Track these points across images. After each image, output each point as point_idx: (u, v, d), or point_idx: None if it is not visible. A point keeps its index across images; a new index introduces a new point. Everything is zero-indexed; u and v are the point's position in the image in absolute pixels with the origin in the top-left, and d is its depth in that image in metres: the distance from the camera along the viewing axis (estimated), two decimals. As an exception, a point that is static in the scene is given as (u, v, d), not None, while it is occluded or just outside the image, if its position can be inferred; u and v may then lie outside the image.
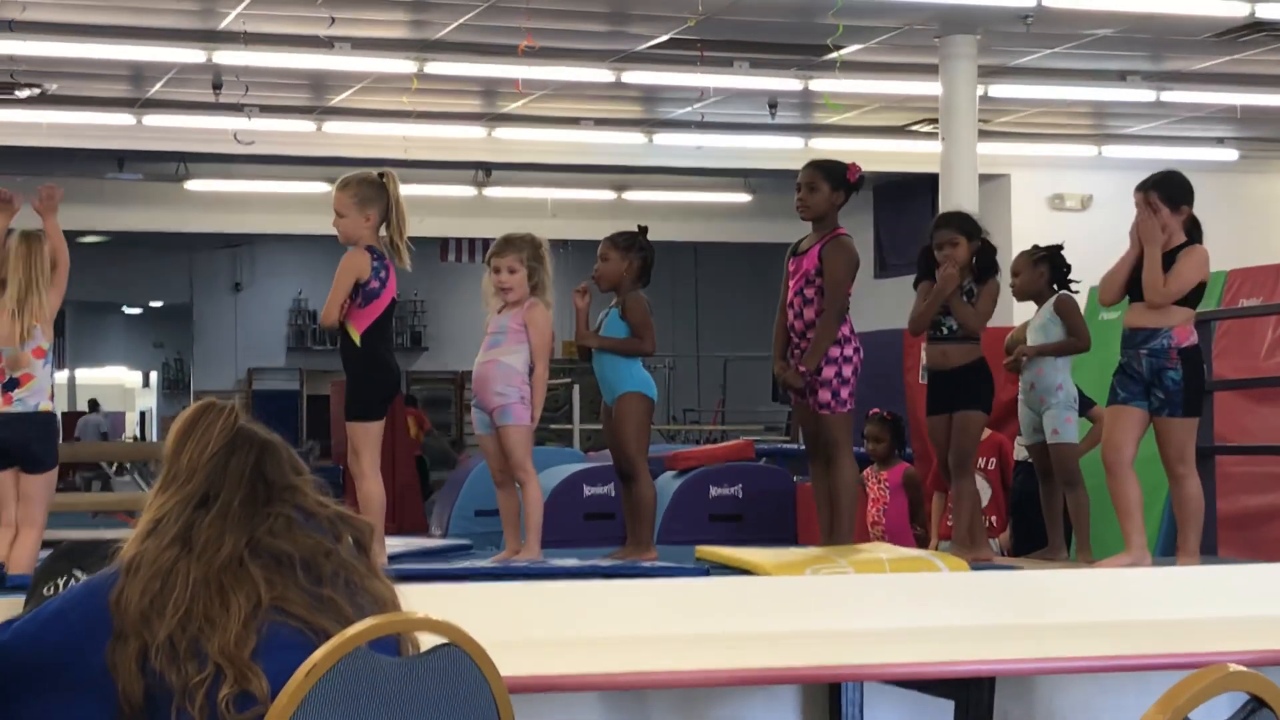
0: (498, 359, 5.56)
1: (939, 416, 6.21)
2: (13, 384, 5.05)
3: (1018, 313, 7.24)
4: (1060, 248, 6.59)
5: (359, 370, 5.37)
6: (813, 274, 6.00)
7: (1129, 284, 5.78)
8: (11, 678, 2.86)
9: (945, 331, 6.19)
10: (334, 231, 5.39)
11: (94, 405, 27.43)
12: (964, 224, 6.32)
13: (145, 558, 2.84)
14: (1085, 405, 6.82)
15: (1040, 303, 6.48)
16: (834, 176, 6.07)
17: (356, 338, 5.30)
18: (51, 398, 5.06)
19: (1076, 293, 6.62)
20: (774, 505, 10.41)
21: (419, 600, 3.00)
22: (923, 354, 6.35)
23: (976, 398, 6.19)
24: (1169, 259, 5.67)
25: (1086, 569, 5.49)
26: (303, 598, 2.84)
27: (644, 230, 6.10)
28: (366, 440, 5.30)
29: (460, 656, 2.78)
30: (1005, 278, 6.34)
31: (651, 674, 3.80)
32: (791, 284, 6.09)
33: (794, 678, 4.22)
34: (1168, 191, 5.74)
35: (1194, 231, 5.79)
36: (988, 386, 6.30)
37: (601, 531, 9.14)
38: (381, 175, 5.36)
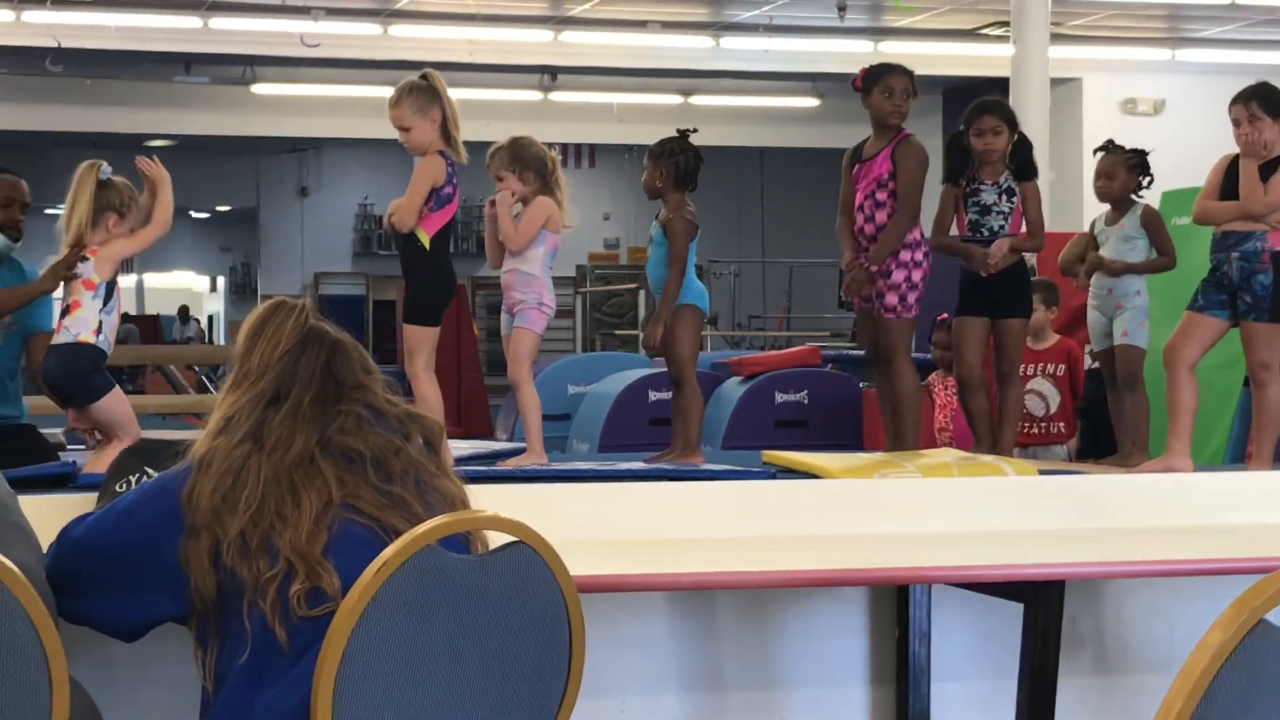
0: (515, 268, 5.59)
1: (975, 319, 6.12)
2: (65, 312, 5.09)
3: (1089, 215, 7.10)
4: (1146, 153, 6.47)
5: (425, 274, 5.39)
6: (885, 177, 5.93)
7: (1223, 198, 5.69)
8: (85, 572, 2.88)
9: (986, 234, 6.11)
10: (397, 135, 5.39)
11: (184, 313, 27.55)
12: (1008, 113, 6.20)
13: (217, 454, 2.86)
14: None
15: (1120, 208, 6.36)
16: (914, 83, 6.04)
17: (426, 242, 5.32)
18: (98, 333, 5.05)
19: (1142, 198, 6.52)
20: (840, 411, 10.40)
21: (486, 500, 3.01)
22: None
23: (1019, 303, 6.14)
24: (1269, 168, 5.58)
25: (1155, 474, 5.44)
26: (373, 495, 2.86)
27: (683, 134, 6.03)
28: (424, 344, 5.35)
29: (529, 555, 2.79)
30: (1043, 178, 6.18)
31: (719, 575, 3.79)
32: (860, 189, 6.01)
33: (863, 579, 4.21)
34: (1268, 101, 5.64)
35: None
36: (1029, 290, 6.29)
37: (667, 436, 9.14)
38: (424, 76, 5.36)
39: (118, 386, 5.09)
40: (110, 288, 5.08)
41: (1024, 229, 6.17)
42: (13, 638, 2.42)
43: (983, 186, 6.10)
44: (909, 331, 6.01)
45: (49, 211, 6.01)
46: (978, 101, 6.29)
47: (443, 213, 5.33)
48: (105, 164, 5.13)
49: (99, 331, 5.02)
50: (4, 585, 2.41)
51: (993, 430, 6.15)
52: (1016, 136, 6.15)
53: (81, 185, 5.08)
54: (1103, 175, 6.37)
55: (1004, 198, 6.09)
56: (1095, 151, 6.47)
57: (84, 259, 5.05)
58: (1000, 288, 6.08)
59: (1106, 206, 6.41)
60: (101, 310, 5.04)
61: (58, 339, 5.05)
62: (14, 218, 5.86)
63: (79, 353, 5.01)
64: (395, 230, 5.38)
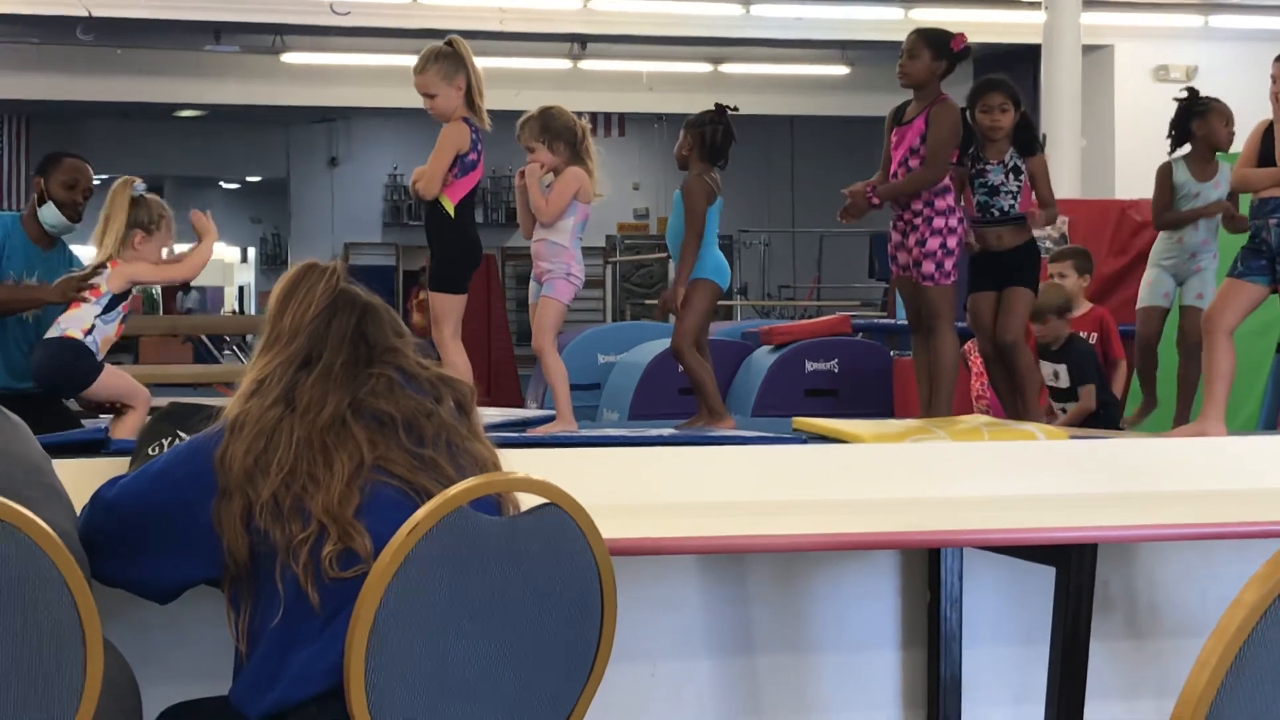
0: (545, 238, 5.60)
1: (985, 293, 6.14)
2: (65, 307, 5.12)
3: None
4: None
5: (450, 241, 5.42)
6: (918, 144, 5.93)
7: (1260, 164, 5.67)
8: (118, 534, 2.89)
9: (996, 214, 6.10)
10: (423, 103, 5.40)
11: (184, 284, 27.40)
12: (1014, 91, 6.19)
13: (249, 416, 2.86)
14: None
15: (1212, 164, 6.29)
16: (936, 44, 5.99)
17: (451, 209, 5.34)
18: (87, 333, 5.08)
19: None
20: (870, 380, 10.39)
21: (517, 466, 3.00)
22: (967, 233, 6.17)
23: (1027, 275, 6.14)
24: None
25: (1188, 438, 5.42)
26: (405, 458, 2.86)
27: (720, 108, 6.04)
28: (450, 311, 5.37)
29: (561, 516, 2.79)
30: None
31: (750, 539, 3.79)
32: (895, 155, 6.01)
33: (894, 543, 4.20)
34: None
35: None
36: (1038, 266, 6.30)
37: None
38: (449, 43, 5.37)
39: (108, 366, 5.14)
40: (116, 301, 5.12)
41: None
42: (47, 600, 2.43)
43: (988, 167, 6.09)
44: (949, 297, 6.01)
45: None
46: (984, 79, 6.30)
47: (467, 179, 5.34)
48: (139, 181, 5.19)
49: (88, 333, 5.07)
50: (39, 548, 2.43)
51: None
52: (1021, 115, 6.16)
53: (116, 203, 5.14)
54: (1229, 122, 6.30)
55: (1010, 176, 6.08)
56: (1189, 96, 6.36)
57: (102, 266, 5.11)
58: (1009, 263, 6.08)
59: (1158, 157, 6.38)
60: (99, 316, 5.09)
61: (49, 334, 5.11)
62: (75, 200, 5.92)
63: (63, 345, 5.07)
64: (420, 197, 5.40)
